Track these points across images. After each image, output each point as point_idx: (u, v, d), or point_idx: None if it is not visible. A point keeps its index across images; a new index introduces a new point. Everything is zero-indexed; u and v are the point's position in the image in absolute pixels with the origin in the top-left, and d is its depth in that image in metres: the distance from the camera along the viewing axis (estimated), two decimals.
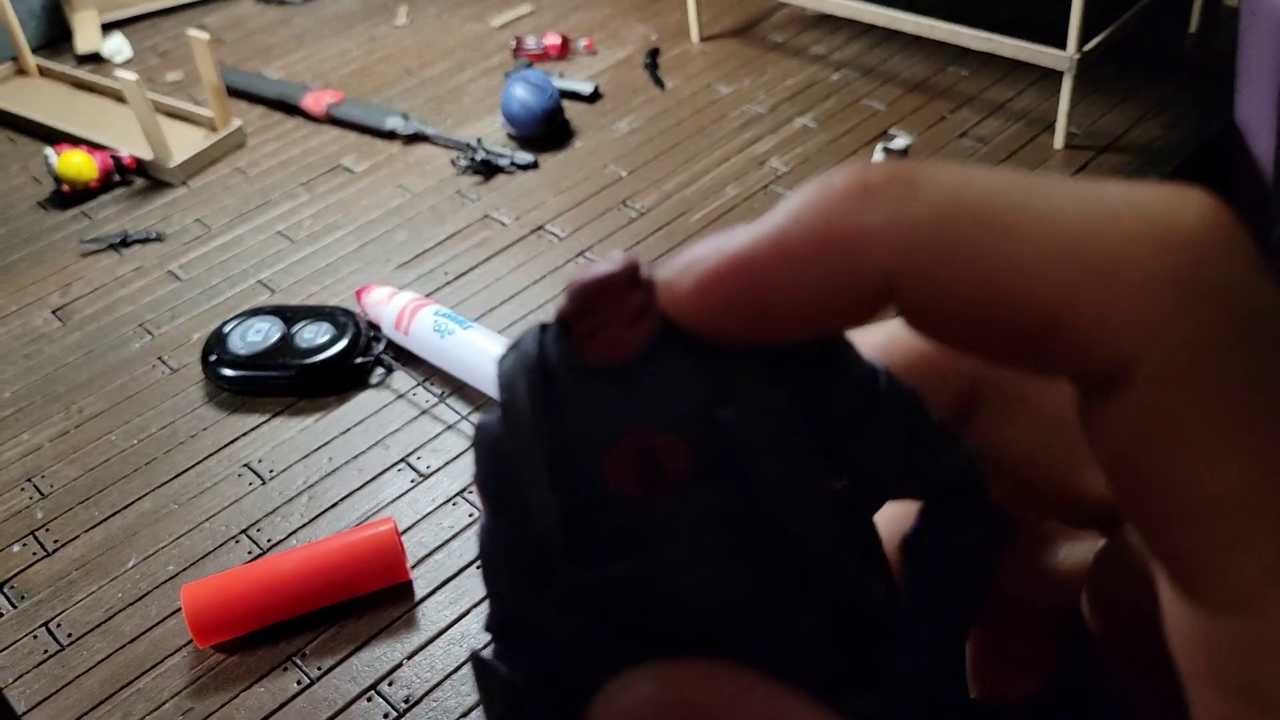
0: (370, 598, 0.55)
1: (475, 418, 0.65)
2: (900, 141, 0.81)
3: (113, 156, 0.89)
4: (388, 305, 0.70)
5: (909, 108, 0.86)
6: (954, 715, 0.15)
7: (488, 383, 0.65)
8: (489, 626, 0.14)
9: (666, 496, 0.14)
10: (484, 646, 0.16)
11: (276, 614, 0.54)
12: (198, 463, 0.65)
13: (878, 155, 0.80)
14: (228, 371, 0.68)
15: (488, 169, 0.86)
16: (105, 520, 0.62)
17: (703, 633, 0.14)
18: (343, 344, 0.68)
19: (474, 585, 0.56)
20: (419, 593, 0.56)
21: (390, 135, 0.91)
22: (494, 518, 0.14)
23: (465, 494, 0.61)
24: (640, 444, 0.14)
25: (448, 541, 0.58)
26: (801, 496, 0.13)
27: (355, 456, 0.64)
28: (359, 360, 0.68)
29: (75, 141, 0.91)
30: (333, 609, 0.55)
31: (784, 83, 0.91)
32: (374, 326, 0.71)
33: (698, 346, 0.14)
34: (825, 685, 0.14)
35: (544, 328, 0.14)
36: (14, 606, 0.58)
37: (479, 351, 0.65)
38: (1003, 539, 0.16)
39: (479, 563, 0.21)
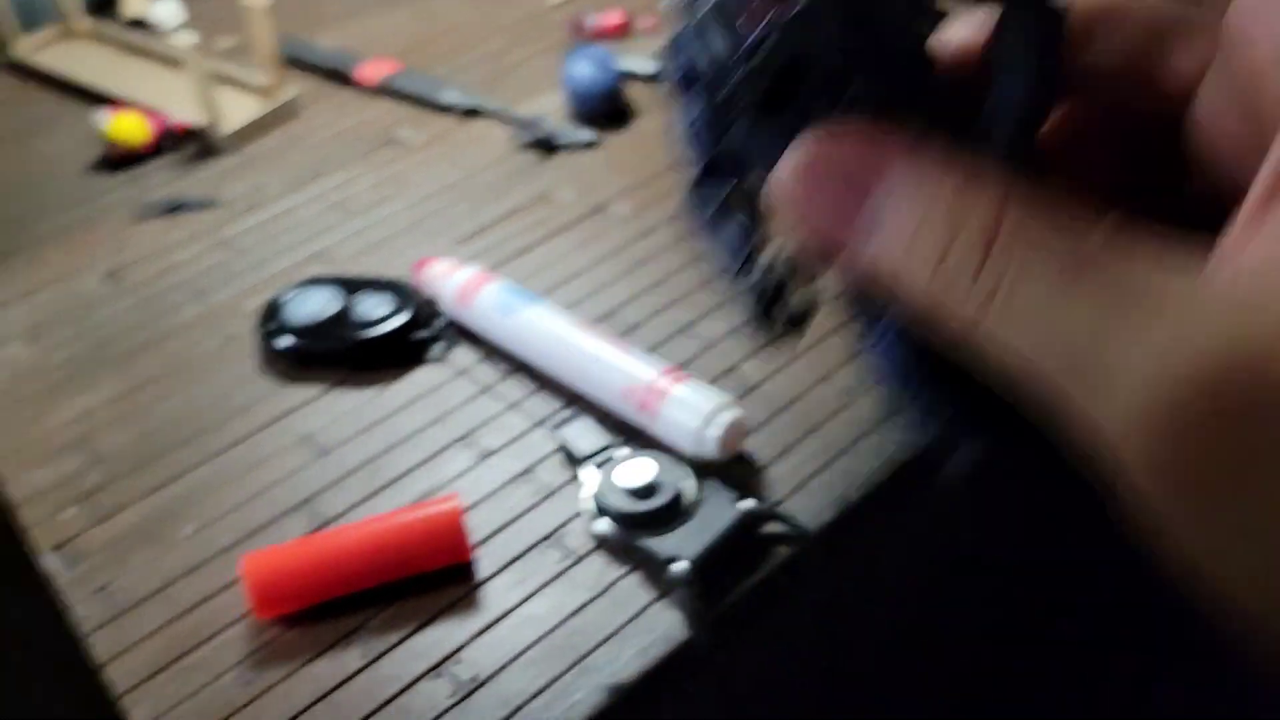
0: (431, 576, 0.54)
1: (539, 399, 0.63)
2: None
3: (165, 120, 0.88)
4: (449, 279, 0.68)
5: None
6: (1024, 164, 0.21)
7: (553, 362, 0.63)
8: (694, 181, 0.24)
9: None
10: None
11: (338, 588, 0.53)
12: (254, 433, 0.63)
13: None
14: (285, 341, 0.67)
15: (548, 146, 0.84)
16: (160, 488, 0.61)
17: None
18: (403, 317, 0.67)
19: (539, 568, 0.54)
20: (482, 573, 0.54)
21: (446, 109, 0.90)
22: (684, 92, 0.23)
23: (529, 475, 0.59)
24: None
25: (511, 522, 0.57)
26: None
27: (415, 433, 0.62)
28: (419, 335, 0.67)
29: (127, 105, 0.90)
30: (392, 587, 0.53)
31: None
32: (433, 301, 0.70)
33: None
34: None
35: None
36: (68, 571, 0.56)
37: (542, 331, 0.64)
38: (1064, 39, 0.22)
39: (682, 213, 0.25)
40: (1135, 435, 0.17)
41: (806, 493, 0.56)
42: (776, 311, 0.25)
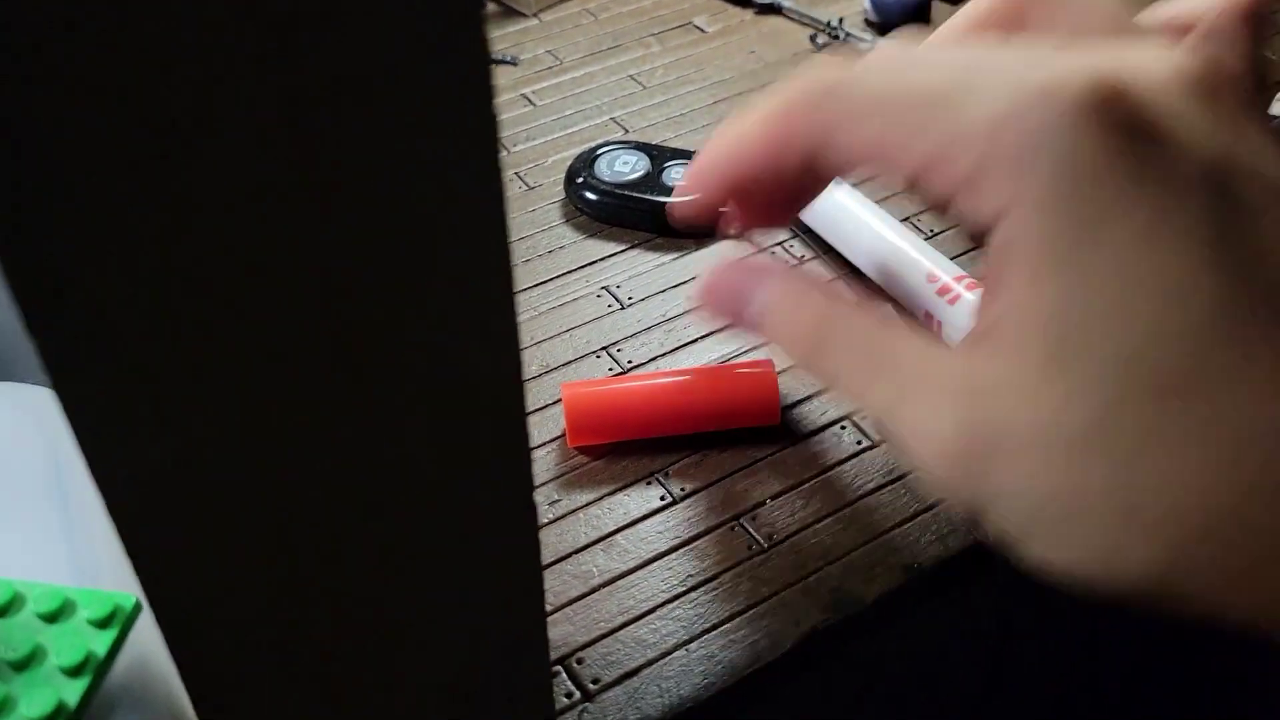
0: (737, 434, 0.55)
1: (842, 283, 0.64)
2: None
3: None
4: None
5: None
6: None
7: (859, 246, 0.64)
8: None
9: None
10: None
11: (647, 429, 0.55)
12: (556, 277, 0.66)
13: None
14: (592, 195, 0.69)
15: (843, 49, 0.83)
16: None
17: None
18: None
19: (837, 446, 0.55)
20: (782, 440, 0.56)
21: (745, 2, 0.90)
22: None
23: None
24: None
25: (810, 397, 0.58)
26: None
27: None
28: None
29: None
30: (698, 438, 0.55)
31: None
32: None
33: None
34: None
35: None
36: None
37: (853, 215, 0.64)
38: None
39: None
40: (932, 461, 0.30)
41: None
42: None
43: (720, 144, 0.38)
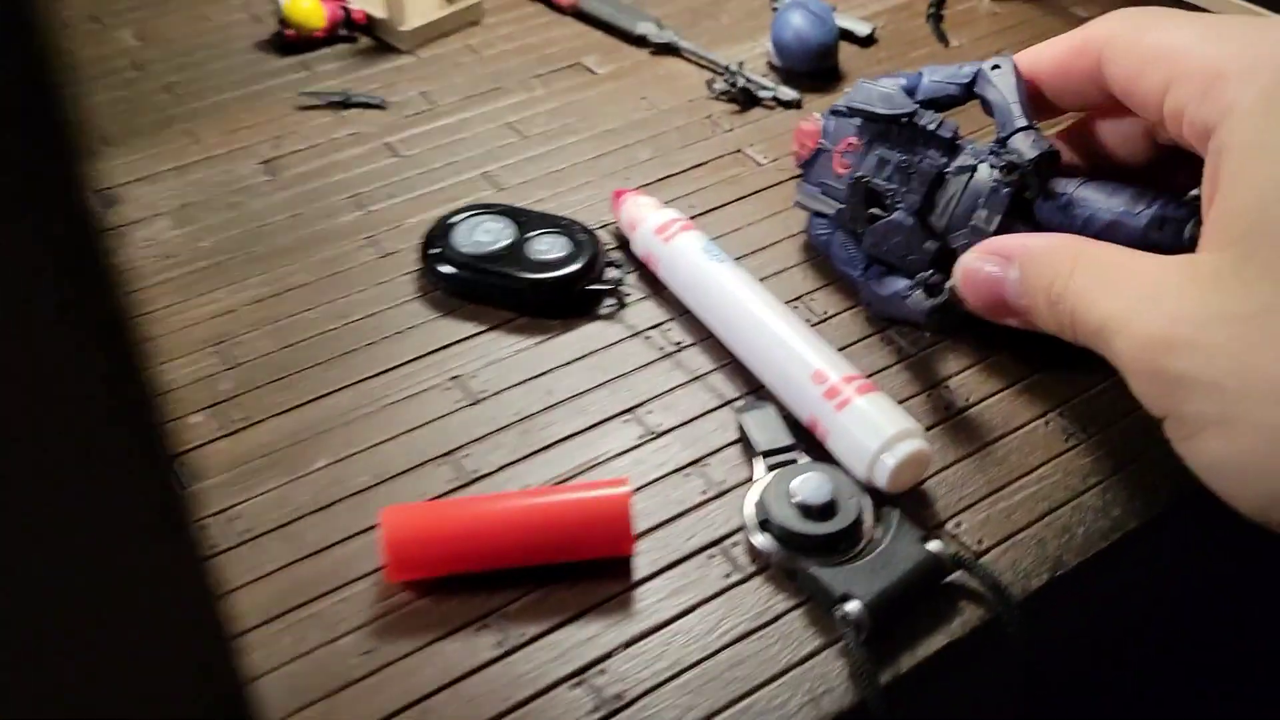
0: (583, 566, 0.48)
1: (723, 376, 0.56)
2: None
3: (343, 7, 0.82)
4: (653, 212, 0.62)
5: None
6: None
7: (740, 336, 0.57)
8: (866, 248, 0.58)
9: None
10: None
11: (481, 562, 0.47)
12: (403, 364, 0.58)
13: None
14: (448, 269, 0.61)
15: (746, 99, 0.77)
16: (297, 408, 0.56)
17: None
18: (579, 264, 0.60)
19: (701, 579, 0.48)
20: (639, 572, 0.48)
21: (640, 41, 0.83)
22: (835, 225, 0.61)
23: (699, 467, 0.53)
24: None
25: (676, 518, 0.50)
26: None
27: (577, 395, 0.56)
28: (594, 286, 0.61)
29: None
30: (539, 571, 0.48)
31: None
32: (621, 239, 0.63)
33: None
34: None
35: None
36: (184, 488, 0.52)
37: (735, 300, 0.57)
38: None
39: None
40: (1131, 362, 0.39)
41: (1012, 547, 0.49)
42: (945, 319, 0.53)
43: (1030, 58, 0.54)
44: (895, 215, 0.57)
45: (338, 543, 0.49)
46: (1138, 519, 0.50)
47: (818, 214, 0.63)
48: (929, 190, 0.56)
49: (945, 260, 0.56)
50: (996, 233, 0.53)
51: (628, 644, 0.46)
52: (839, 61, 0.80)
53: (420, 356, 0.58)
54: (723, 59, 0.79)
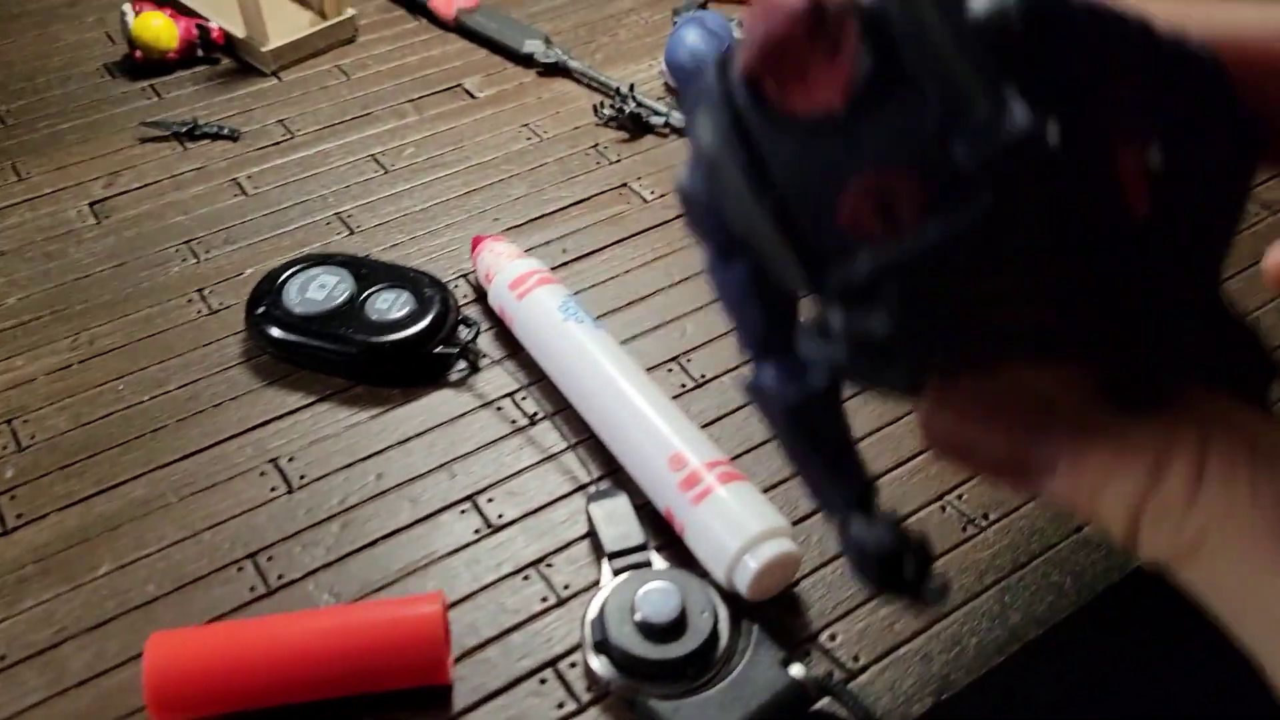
0: (389, 698, 0.41)
1: (575, 454, 0.50)
2: None
3: (199, 25, 0.75)
4: (510, 263, 0.55)
5: None
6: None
7: (597, 410, 0.50)
8: (748, 349, 0.21)
9: (906, 230, 0.16)
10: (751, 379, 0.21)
11: (267, 697, 0.40)
12: (214, 444, 0.51)
13: None
14: (275, 331, 0.54)
15: (636, 124, 0.70)
16: (86, 499, 0.48)
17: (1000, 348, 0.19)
18: (424, 323, 0.53)
19: (528, 710, 0.41)
20: (458, 703, 0.41)
21: (527, 60, 0.76)
22: (724, 263, 0.19)
23: (541, 568, 0.46)
24: (871, 184, 0.16)
25: (507, 632, 0.43)
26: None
27: (411, 480, 0.49)
28: (442, 349, 0.54)
29: (159, 1, 0.77)
30: (337, 706, 0.41)
31: None
32: (480, 291, 0.56)
33: (911, 78, 0.15)
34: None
35: (723, 71, 0.17)
36: None
37: (596, 367, 0.50)
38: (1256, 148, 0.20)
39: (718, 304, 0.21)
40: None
41: (892, 664, 0.43)
42: (902, 573, 0.22)
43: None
44: None
45: (106, 671, 0.42)
46: (1039, 625, 0.44)
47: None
48: None
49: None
50: None
51: None
52: None
53: (236, 435, 0.51)
54: (615, 80, 0.73)
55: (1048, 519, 0.47)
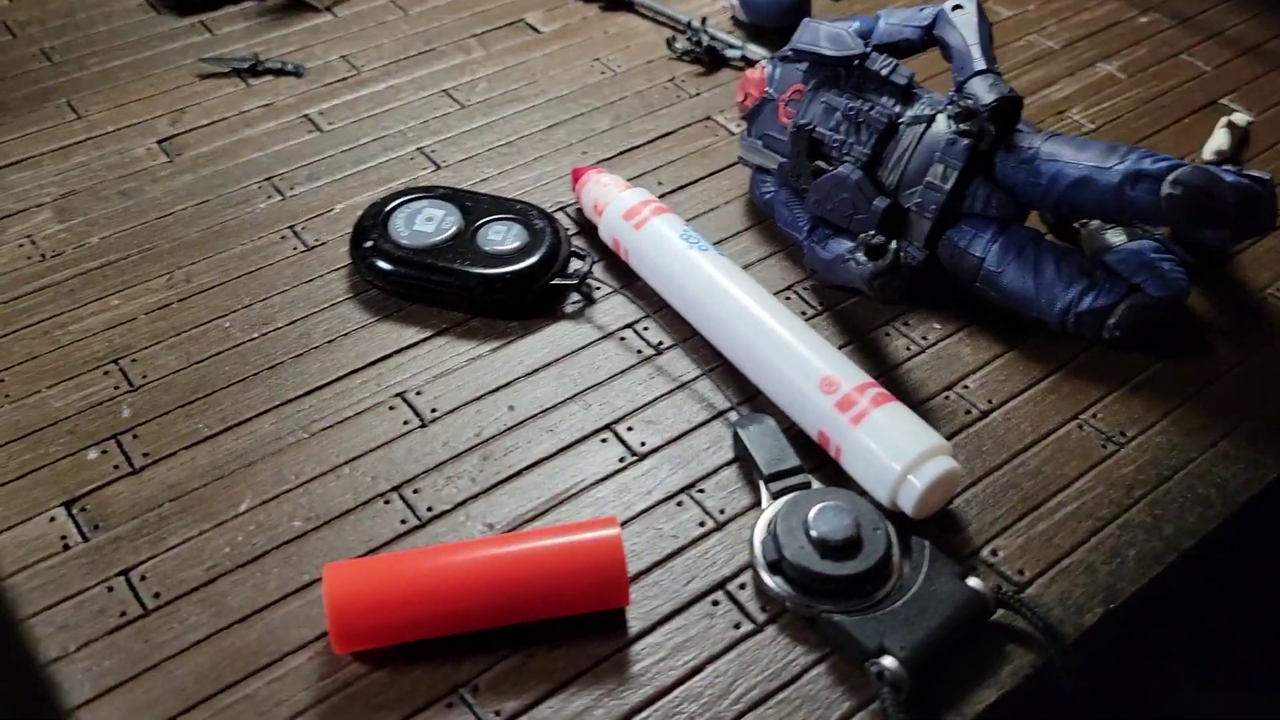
0: (566, 624, 0.40)
1: (709, 380, 0.49)
2: (1240, 117, 0.64)
3: None
4: (621, 193, 0.54)
5: (1242, 76, 0.69)
6: None
7: (732, 337, 0.49)
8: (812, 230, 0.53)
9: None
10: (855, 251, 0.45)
11: (446, 625, 0.39)
12: (337, 379, 0.49)
13: (1219, 134, 0.63)
14: (385, 265, 0.52)
15: (712, 59, 0.69)
16: (213, 437, 0.47)
17: None
18: (539, 255, 0.52)
19: (705, 631, 0.41)
20: (632, 626, 0.41)
21: None
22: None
23: (693, 493, 0.45)
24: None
25: (671, 557, 0.43)
26: None
27: (544, 410, 0.48)
28: (557, 281, 0.53)
29: None
30: (515, 631, 0.40)
31: (1079, 16, 0.74)
32: (584, 224, 0.55)
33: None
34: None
35: None
36: (85, 538, 0.43)
37: (722, 294, 0.49)
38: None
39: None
40: None
41: (1058, 576, 0.43)
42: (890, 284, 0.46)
43: None
44: (841, 169, 0.51)
45: (269, 605, 0.41)
46: (1191, 536, 0.44)
47: (760, 169, 0.57)
48: (879, 142, 0.51)
49: (896, 220, 0.51)
50: (955, 190, 0.49)
51: (627, 717, 0.38)
52: (812, 16, 0.73)
53: (357, 370, 0.50)
54: (682, 15, 0.71)
55: (1184, 433, 0.47)
